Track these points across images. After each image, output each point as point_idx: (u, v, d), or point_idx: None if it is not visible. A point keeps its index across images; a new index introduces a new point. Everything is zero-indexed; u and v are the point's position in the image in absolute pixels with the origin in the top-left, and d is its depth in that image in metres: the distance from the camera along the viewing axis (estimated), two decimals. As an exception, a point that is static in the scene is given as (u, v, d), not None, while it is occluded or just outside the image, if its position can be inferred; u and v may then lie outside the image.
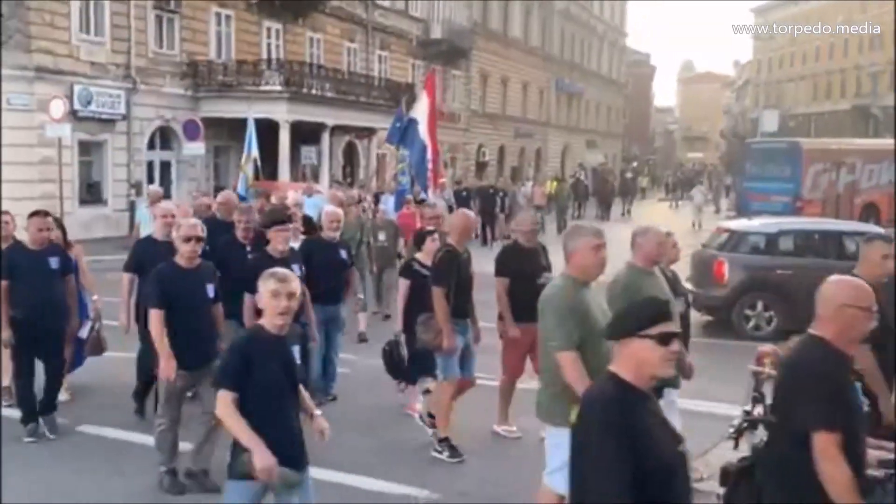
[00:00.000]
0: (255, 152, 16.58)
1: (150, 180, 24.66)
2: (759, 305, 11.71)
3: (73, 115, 20.96)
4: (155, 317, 5.71)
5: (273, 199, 13.46)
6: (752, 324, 11.72)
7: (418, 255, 7.54)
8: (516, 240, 7.36)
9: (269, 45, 28.77)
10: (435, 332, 6.60)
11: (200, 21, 26.02)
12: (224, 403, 4.00)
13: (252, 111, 25.44)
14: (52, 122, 19.52)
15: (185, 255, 5.87)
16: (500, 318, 7.23)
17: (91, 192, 23.17)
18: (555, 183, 34.42)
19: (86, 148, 22.84)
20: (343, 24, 32.77)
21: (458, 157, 42.56)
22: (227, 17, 27.04)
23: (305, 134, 27.39)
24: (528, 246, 7.20)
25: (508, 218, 25.11)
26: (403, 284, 7.47)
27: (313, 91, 26.67)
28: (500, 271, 7.19)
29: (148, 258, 6.74)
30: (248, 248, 7.57)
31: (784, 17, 75.08)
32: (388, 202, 15.85)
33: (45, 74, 21.04)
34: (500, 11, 46.41)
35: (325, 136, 28.02)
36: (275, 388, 4.06)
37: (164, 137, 25.32)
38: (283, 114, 25.15)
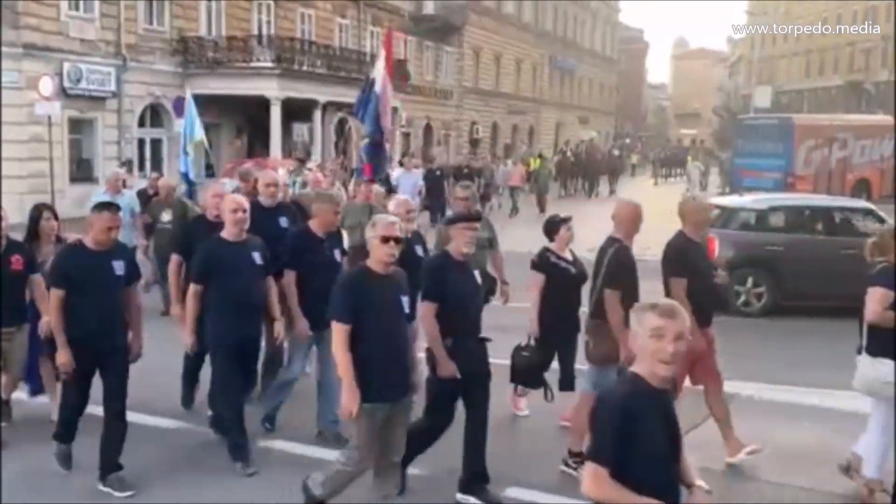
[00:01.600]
0: (199, 134, 13.94)
1: (141, 158, 24.57)
2: (749, 282, 11.74)
3: (62, 92, 20.85)
4: (340, 332, 4.63)
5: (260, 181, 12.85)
6: (741, 300, 11.75)
7: (552, 246, 6.50)
8: (685, 233, 6.13)
9: (259, 21, 28.56)
10: (610, 342, 5.73)
11: (190, -3, 25.79)
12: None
13: (243, 87, 25.57)
14: (41, 100, 19.39)
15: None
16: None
17: (82, 170, 23.06)
18: (538, 160, 33.98)
19: (76, 126, 22.71)
20: (335, 0, 32.54)
21: (451, 135, 42.46)
22: (218, -8, 26.81)
23: (297, 111, 27.27)
24: (697, 240, 6.22)
25: (483, 200, 24.79)
26: (538, 279, 6.37)
27: (304, 67, 26.53)
28: (676, 271, 5.99)
29: (201, 240, 6.23)
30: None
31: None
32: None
33: (34, 51, 20.88)
34: (492, -13, 46.14)
35: (317, 113, 27.91)
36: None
37: (154, 115, 25.19)
38: (274, 91, 25.03)
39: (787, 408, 7.39)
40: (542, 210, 24.23)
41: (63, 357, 5.34)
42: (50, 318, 5.53)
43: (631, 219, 5.99)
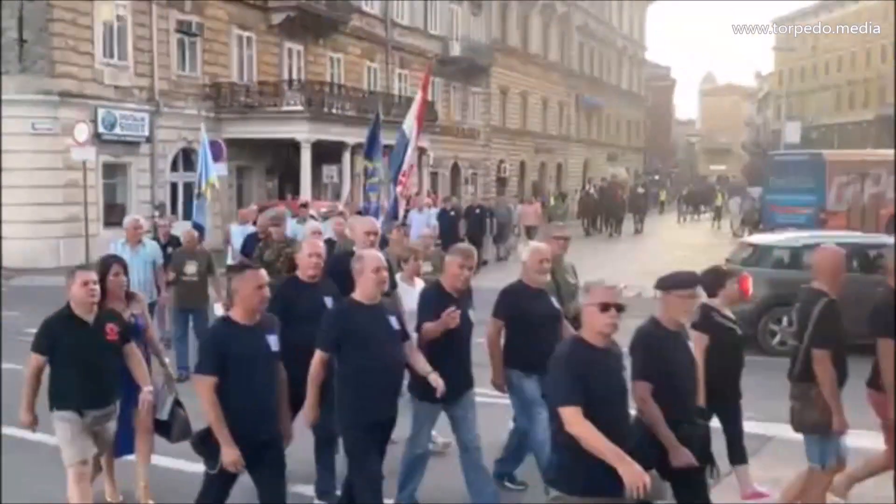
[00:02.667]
0: (213, 176, 14.23)
1: (174, 201, 24.90)
2: (785, 320, 11.58)
3: (97, 138, 21.23)
4: None
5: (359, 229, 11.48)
6: (777, 339, 11.59)
7: (714, 302, 5.76)
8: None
9: (290, 66, 29.03)
10: (820, 408, 5.24)
11: (222, 44, 26.31)
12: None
13: (274, 131, 25.91)
14: (76, 146, 19.78)
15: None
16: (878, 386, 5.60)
17: (115, 214, 23.38)
18: (557, 199, 33.47)
19: (110, 170, 23.10)
20: (363, 44, 33.01)
21: (479, 174, 42.62)
22: (249, 39, 27.32)
23: (326, 153, 27.54)
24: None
25: (497, 241, 23.96)
26: (701, 340, 5.52)
27: (334, 110, 26.85)
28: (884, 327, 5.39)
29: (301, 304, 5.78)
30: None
31: (805, 29, 74.81)
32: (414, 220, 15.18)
33: (70, 99, 21.33)
34: (518, 28, 46.57)
35: (346, 155, 28.16)
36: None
37: (186, 159, 25.55)
38: (304, 133, 25.34)
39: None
40: None
41: (230, 456, 4.57)
42: (207, 412, 4.61)
43: (834, 267, 5.51)
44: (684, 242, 26.63)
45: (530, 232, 24.57)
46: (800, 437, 7.50)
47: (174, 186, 25.23)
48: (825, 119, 71.65)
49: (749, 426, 6.85)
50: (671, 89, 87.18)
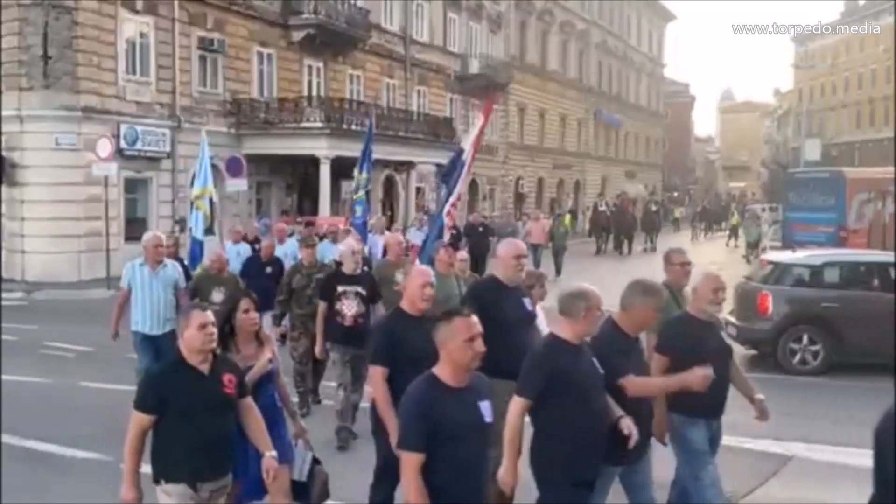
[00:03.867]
0: (209, 185, 12.96)
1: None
2: (805, 339, 11.51)
3: (119, 153, 21.41)
4: None
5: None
6: (798, 358, 11.51)
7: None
8: None
9: (310, 82, 29.24)
10: None
11: (243, 60, 26.54)
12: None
13: (293, 147, 26.06)
14: (98, 161, 19.98)
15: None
16: None
17: (136, 229, 23.56)
18: (567, 217, 32.53)
19: (131, 185, 23.30)
20: (382, 61, 33.20)
21: (497, 190, 42.68)
22: (269, 56, 27.55)
23: (345, 169, 27.60)
24: None
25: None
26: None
27: (353, 127, 26.97)
28: None
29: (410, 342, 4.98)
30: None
31: (824, 46, 74.59)
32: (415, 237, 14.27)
33: (93, 114, 21.54)
34: (537, 45, 46.70)
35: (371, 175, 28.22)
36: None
37: (207, 174, 25.68)
38: (323, 150, 25.47)
39: (847, 470, 7.15)
40: (558, 272, 22.81)
41: None
42: (407, 491, 3.65)
43: None
44: (697, 262, 26.34)
45: (536, 250, 22.83)
46: (819, 456, 7.50)
47: (213, 202, 25.32)
48: (845, 137, 71.29)
49: (769, 445, 6.79)
50: (690, 106, 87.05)
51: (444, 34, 37.51)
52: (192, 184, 12.98)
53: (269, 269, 10.79)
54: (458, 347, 3.65)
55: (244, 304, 4.98)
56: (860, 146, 68.30)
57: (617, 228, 35.27)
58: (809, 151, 46.81)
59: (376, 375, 5.05)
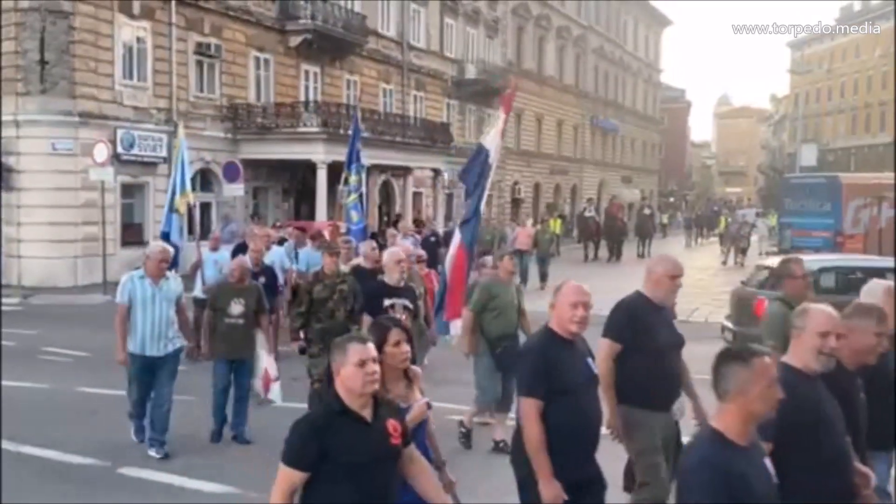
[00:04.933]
0: (188, 189, 12.76)
1: (191, 221, 24.96)
2: (801, 344, 11.49)
3: (116, 158, 21.39)
4: None
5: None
6: (794, 363, 11.50)
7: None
8: None
9: (307, 87, 29.26)
10: None
11: (240, 66, 26.56)
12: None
13: (290, 151, 26.07)
14: (95, 166, 19.96)
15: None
16: None
17: (132, 234, 23.55)
18: (558, 221, 31.70)
19: (128, 190, 23.28)
20: (379, 66, 33.23)
21: (493, 195, 42.69)
22: (266, 61, 27.57)
23: (342, 174, 27.65)
24: None
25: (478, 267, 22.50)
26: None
27: (350, 132, 26.99)
28: None
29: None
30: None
31: (821, 51, 74.80)
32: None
33: (89, 119, 21.54)
34: (534, 50, 46.80)
35: (363, 176, 28.25)
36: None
37: (204, 179, 25.71)
38: (320, 154, 25.48)
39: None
40: (542, 280, 22.36)
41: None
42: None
43: None
44: (694, 266, 26.30)
45: (522, 257, 21.59)
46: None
47: (191, 206, 25.30)
48: (841, 142, 71.49)
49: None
50: (686, 111, 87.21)
51: (441, 40, 37.57)
52: (172, 188, 12.72)
53: (261, 279, 10.04)
54: (758, 396, 3.04)
55: (394, 335, 4.09)
56: (856, 151, 68.51)
57: (606, 235, 34.25)
58: (806, 157, 47.03)
59: (532, 412, 4.24)
